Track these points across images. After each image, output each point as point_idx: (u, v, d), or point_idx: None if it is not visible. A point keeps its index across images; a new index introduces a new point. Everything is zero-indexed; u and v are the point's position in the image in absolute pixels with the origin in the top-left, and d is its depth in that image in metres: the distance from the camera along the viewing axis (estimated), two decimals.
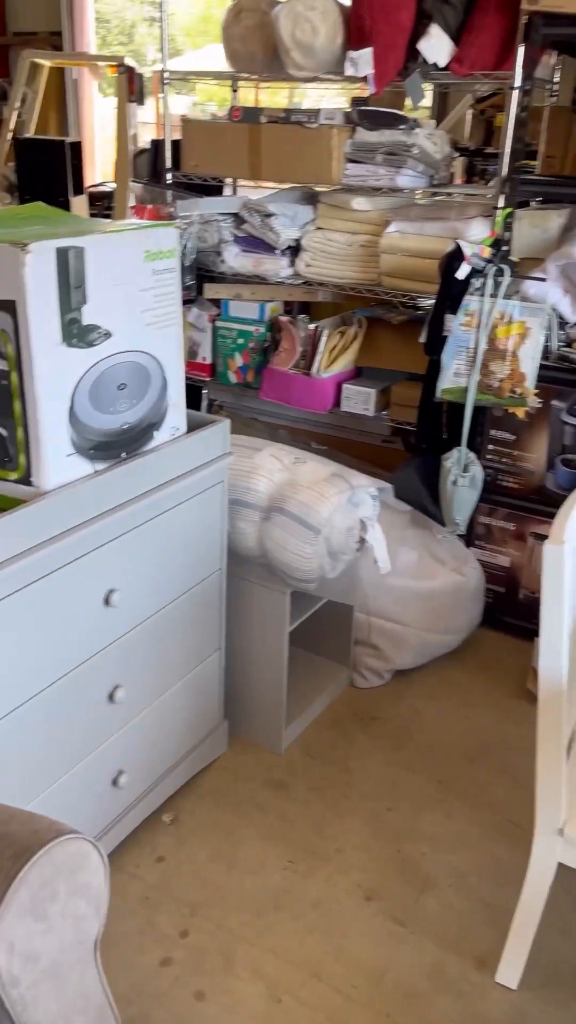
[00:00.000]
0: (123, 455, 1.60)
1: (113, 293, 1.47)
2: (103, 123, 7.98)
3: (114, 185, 5.32)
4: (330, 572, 2.00)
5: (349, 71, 2.34)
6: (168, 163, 2.92)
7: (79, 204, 4.65)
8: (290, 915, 1.74)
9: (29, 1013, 0.99)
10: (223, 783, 2.08)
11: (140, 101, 6.03)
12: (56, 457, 1.46)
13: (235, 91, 2.98)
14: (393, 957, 1.66)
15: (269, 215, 2.64)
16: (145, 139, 5.82)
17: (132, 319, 1.53)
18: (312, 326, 2.71)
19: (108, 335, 1.49)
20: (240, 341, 2.86)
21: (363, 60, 2.31)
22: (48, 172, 4.41)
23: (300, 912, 1.75)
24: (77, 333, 1.43)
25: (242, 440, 2.09)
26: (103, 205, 5.83)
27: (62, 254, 1.36)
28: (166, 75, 2.77)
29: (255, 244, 2.74)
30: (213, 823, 1.96)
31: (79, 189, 4.57)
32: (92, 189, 5.74)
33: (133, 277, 1.51)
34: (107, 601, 1.60)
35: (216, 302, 2.90)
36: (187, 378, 2.65)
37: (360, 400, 2.65)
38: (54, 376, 1.41)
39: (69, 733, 1.60)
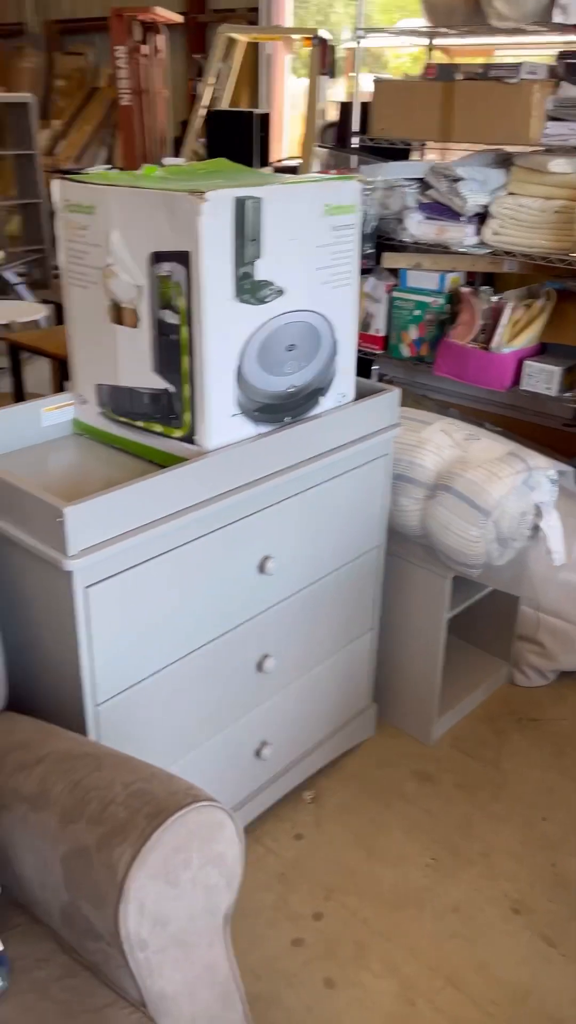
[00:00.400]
0: (287, 419, 1.55)
1: (288, 248, 1.41)
2: (294, 102, 8.00)
3: (299, 161, 5.30)
4: (497, 559, 1.86)
5: (558, 18, 2.15)
6: (356, 127, 2.83)
7: None
8: (429, 915, 1.65)
9: (154, 979, 0.97)
10: (367, 768, 2.00)
11: (331, 74, 5.97)
12: (220, 417, 1.43)
13: (430, 50, 2.84)
14: (539, 978, 1.53)
15: (457, 179, 2.49)
16: (334, 115, 5.75)
17: (306, 277, 1.47)
18: (495, 298, 2.54)
19: (280, 292, 1.43)
20: (417, 313, 2.74)
21: (574, 6, 2.11)
22: (236, 143, 4.45)
23: (440, 913, 1.65)
24: (249, 288, 1.38)
25: (411, 413, 1.98)
26: None
27: (239, 204, 1.31)
28: (360, 34, 2.67)
29: (439, 211, 2.60)
30: (354, 807, 1.89)
31: (264, 161, 4.58)
32: (277, 163, 5.75)
33: (311, 232, 1.44)
34: (262, 568, 1.56)
35: (394, 272, 2.79)
36: (358, 350, 2.57)
37: (543, 378, 2.47)
38: (223, 333, 1.37)
39: (216, 697, 1.58)
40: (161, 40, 6.38)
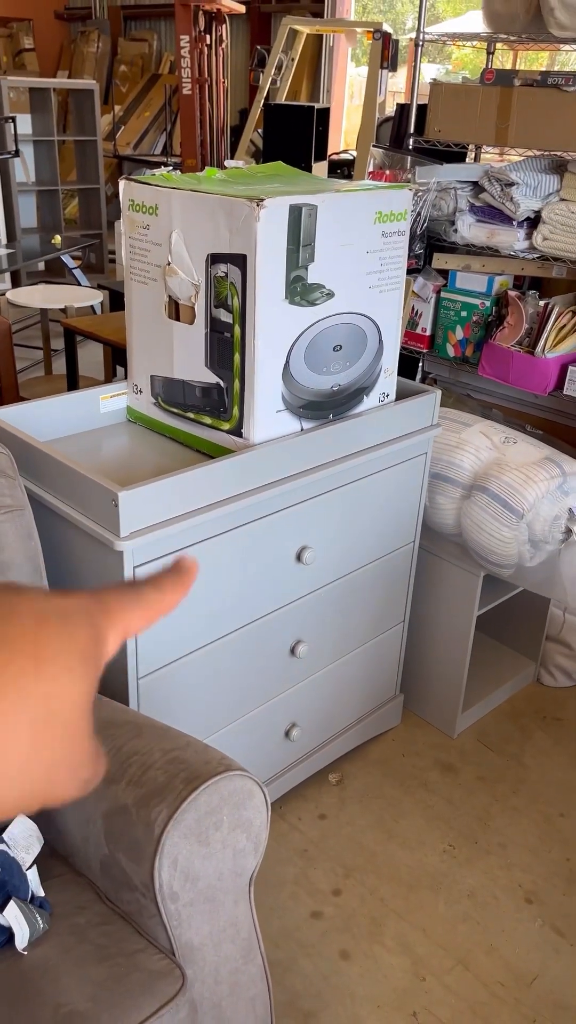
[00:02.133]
0: (331, 416, 1.62)
1: (340, 253, 1.48)
2: (352, 91, 8.00)
3: (355, 153, 5.32)
4: (529, 560, 1.91)
5: None
6: (411, 128, 2.87)
7: (319, 169, 4.70)
8: (444, 899, 1.71)
9: (183, 929, 1.05)
10: (392, 755, 2.07)
11: (392, 68, 5.97)
12: (267, 412, 1.50)
13: (490, 54, 2.86)
14: (547, 964, 1.59)
15: (510, 184, 2.52)
16: (392, 108, 5.75)
17: (356, 281, 1.53)
18: (542, 303, 2.57)
19: (330, 295, 1.50)
20: (463, 314, 2.78)
21: None
22: (293, 137, 4.49)
23: (455, 898, 1.72)
24: (300, 291, 1.45)
25: (451, 414, 2.04)
26: (342, 172, 5.87)
27: (295, 211, 1.37)
28: (422, 37, 2.71)
29: (491, 214, 2.64)
30: (377, 792, 1.96)
31: (321, 155, 4.62)
32: (333, 156, 5.78)
33: (361, 238, 1.50)
34: (299, 557, 1.64)
35: (443, 272, 2.83)
36: (403, 348, 2.62)
37: None
38: (274, 332, 1.44)
39: (250, 678, 1.66)
40: (224, 30, 6.43)
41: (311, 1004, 1.50)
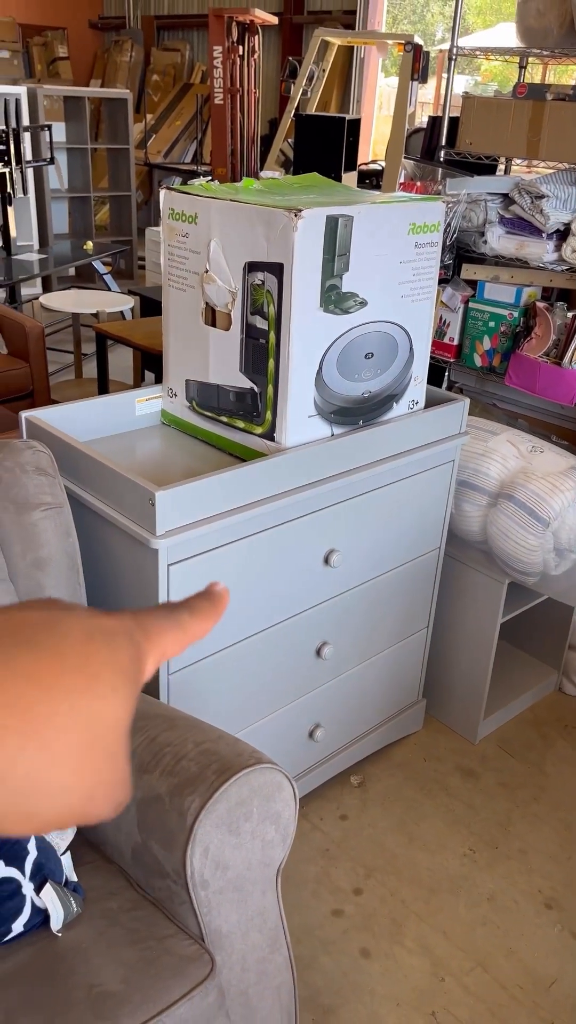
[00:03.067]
0: (360, 422, 1.65)
1: (373, 263, 1.51)
2: (381, 102, 8.05)
3: (383, 164, 5.35)
4: (554, 568, 1.93)
5: None
6: (443, 140, 2.90)
7: (349, 180, 4.75)
8: (464, 902, 1.73)
9: (212, 916, 1.08)
10: (413, 759, 2.09)
11: (423, 80, 6.01)
12: (299, 417, 1.53)
13: (523, 68, 2.89)
14: (565, 969, 1.60)
15: (540, 196, 2.55)
16: (422, 119, 5.78)
17: (388, 290, 1.56)
18: (570, 314, 2.59)
19: (363, 304, 1.53)
20: (491, 324, 2.80)
21: None
22: (324, 147, 4.54)
23: (474, 901, 1.73)
24: (335, 300, 1.48)
25: (478, 422, 2.06)
26: (371, 183, 5.91)
27: (331, 222, 1.41)
28: (455, 51, 2.74)
29: (521, 226, 2.66)
30: (398, 795, 1.99)
31: (351, 165, 4.66)
32: (363, 166, 5.82)
33: (395, 249, 1.54)
34: (327, 560, 1.67)
35: (472, 283, 2.86)
36: (431, 357, 2.64)
37: None
38: (308, 339, 1.47)
39: (276, 677, 1.69)
40: (256, 41, 6.51)
41: (331, 1000, 1.52)
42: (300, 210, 1.36)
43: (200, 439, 1.71)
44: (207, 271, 1.54)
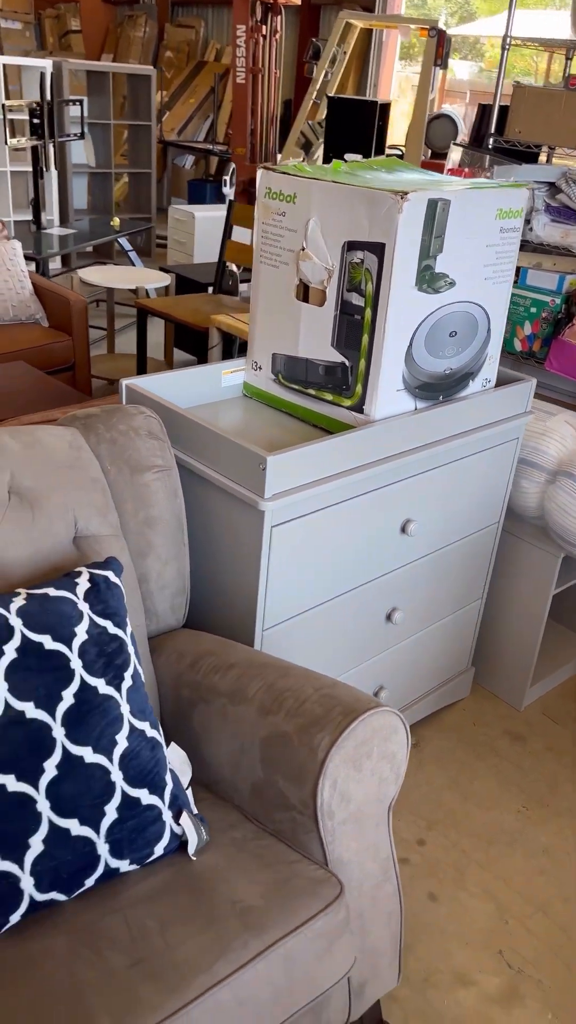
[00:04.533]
0: (440, 398, 1.73)
1: (464, 245, 1.59)
2: (395, 87, 8.07)
3: (403, 149, 5.40)
4: None
5: None
6: (492, 128, 2.97)
7: None
8: (521, 853, 1.84)
9: (335, 844, 1.18)
10: (463, 723, 2.20)
11: (444, 66, 6.04)
12: (388, 391, 1.62)
13: (569, 60, 2.96)
14: None
15: None
16: (440, 107, 5.81)
17: (474, 271, 1.64)
18: None
19: (452, 284, 1.61)
20: (533, 310, 2.89)
21: None
22: (354, 130, 4.59)
23: (531, 853, 1.84)
24: (428, 279, 1.56)
25: (536, 404, 2.15)
26: None
27: (432, 205, 1.49)
28: (507, 41, 2.80)
29: (567, 215, 2.74)
30: (451, 756, 2.09)
31: (380, 150, 4.72)
32: (388, 151, 5.86)
33: (483, 232, 1.62)
34: (404, 529, 1.76)
35: (515, 269, 2.94)
36: None
37: None
38: (402, 316, 1.55)
39: (353, 639, 1.78)
40: (279, 21, 6.51)
41: (407, 937, 1.63)
42: (406, 193, 1.44)
43: (280, 410, 1.79)
44: (304, 249, 1.61)
